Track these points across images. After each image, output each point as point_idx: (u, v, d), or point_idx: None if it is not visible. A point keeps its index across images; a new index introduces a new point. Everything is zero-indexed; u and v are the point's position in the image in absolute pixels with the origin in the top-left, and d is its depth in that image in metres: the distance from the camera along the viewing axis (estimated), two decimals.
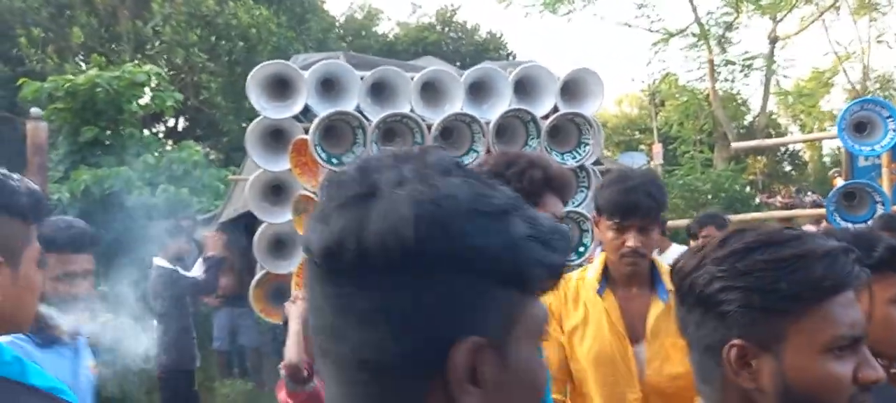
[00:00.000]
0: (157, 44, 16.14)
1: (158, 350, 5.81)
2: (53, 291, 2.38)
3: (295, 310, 3.20)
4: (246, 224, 7.13)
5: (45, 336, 2.20)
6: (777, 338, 1.07)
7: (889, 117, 5.50)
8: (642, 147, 34.45)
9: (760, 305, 1.05)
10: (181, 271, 6.38)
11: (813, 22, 25.45)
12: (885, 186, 5.70)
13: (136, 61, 12.82)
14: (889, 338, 1.82)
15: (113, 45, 16.40)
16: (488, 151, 5.86)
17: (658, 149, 25.22)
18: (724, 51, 24.70)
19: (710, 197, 19.34)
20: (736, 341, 1.08)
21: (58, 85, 10.34)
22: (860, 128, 5.68)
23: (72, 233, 2.49)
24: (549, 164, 1.87)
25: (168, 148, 12.57)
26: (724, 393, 1.12)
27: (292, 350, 3.04)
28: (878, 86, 28.60)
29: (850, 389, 1.07)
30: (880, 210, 5.54)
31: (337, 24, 23.99)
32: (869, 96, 19.60)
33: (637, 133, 38.94)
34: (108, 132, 10.68)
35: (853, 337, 1.08)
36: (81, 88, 10.23)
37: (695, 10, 23.91)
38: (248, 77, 5.91)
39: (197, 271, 6.78)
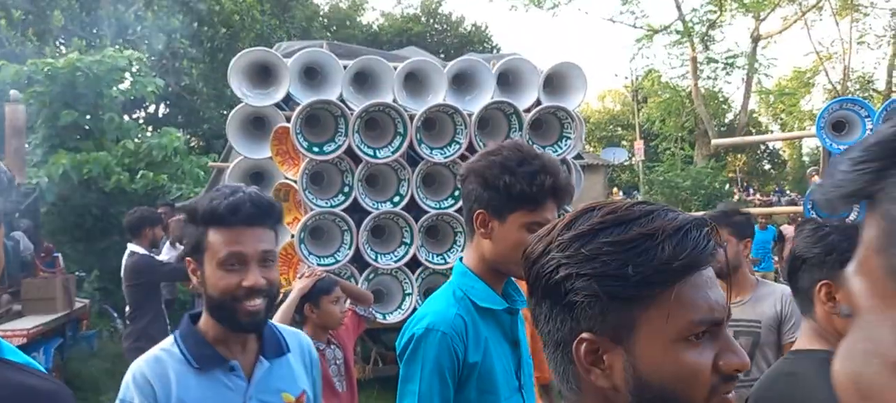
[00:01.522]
0: (138, 29, 15.97)
1: (131, 337, 5.77)
2: None
3: (299, 285, 3.48)
4: None
5: None
6: (628, 329, 0.94)
7: (867, 117, 5.56)
8: (624, 143, 34.63)
9: (607, 293, 0.93)
10: (156, 257, 6.33)
11: (795, 21, 25.66)
12: None
13: (118, 46, 12.67)
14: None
15: (94, 30, 16.22)
16: (470, 143, 5.87)
17: (640, 145, 25.44)
18: (707, 48, 24.86)
19: (690, 193, 19.52)
20: (585, 335, 0.95)
21: (37, 68, 10.23)
22: (839, 127, 5.74)
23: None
24: (559, 173, 1.86)
25: (148, 134, 12.46)
26: (581, 394, 1.00)
27: (279, 316, 3.21)
28: (858, 86, 28.88)
29: (710, 379, 0.94)
30: (856, 208, 5.61)
31: (321, 12, 23.88)
32: (843, 96, 19.80)
33: (620, 129, 39.14)
34: (88, 117, 10.59)
35: (712, 321, 0.94)
36: (61, 72, 10.14)
37: (679, 7, 24.03)
38: (230, 64, 5.87)
39: (165, 256, 6.74)
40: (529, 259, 1.02)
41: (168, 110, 18.34)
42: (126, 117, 12.68)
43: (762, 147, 36.74)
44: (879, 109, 5.46)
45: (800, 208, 6.64)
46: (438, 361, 1.75)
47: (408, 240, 5.91)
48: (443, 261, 6.00)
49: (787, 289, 3.19)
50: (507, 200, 1.79)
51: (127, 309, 6.06)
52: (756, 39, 24.96)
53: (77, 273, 9.53)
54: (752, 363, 2.89)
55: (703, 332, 0.94)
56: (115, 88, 10.90)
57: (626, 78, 31.46)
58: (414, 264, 5.96)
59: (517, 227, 1.79)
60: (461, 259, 1.92)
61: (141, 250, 5.92)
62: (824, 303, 1.88)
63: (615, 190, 28.43)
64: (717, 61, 24.90)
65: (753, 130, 33.13)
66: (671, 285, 0.92)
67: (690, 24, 24.04)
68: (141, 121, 16.26)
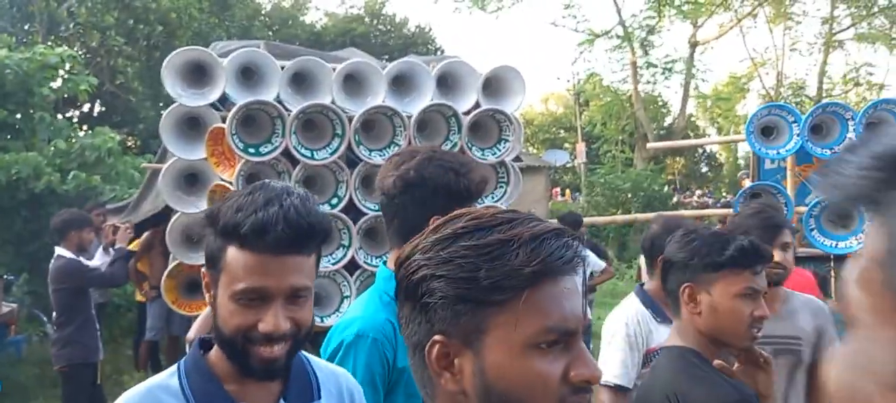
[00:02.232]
0: (71, 25, 15.52)
1: (60, 343, 5.60)
2: None
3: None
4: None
5: None
6: (477, 333, 0.94)
7: (794, 122, 5.74)
8: (567, 145, 35.07)
9: (460, 296, 0.93)
10: (84, 261, 6.15)
11: (731, 28, 26.37)
12: (789, 188, 5.95)
13: (49, 43, 12.29)
14: (735, 329, 2.00)
15: (24, 26, 15.70)
16: (410, 144, 5.86)
17: (581, 147, 25.79)
18: (646, 53, 25.36)
19: (629, 195, 19.87)
20: (437, 337, 0.96)
21: None
22: (767, 131, 5.91)
23: None
24: (470, 170, 1.96)
25: (82, 134, 12.11)
26: (435, 399, 1.01)
27: (195, 328, 3.26)
28: (790, 92, 29.82)
29: (558, 389, 0.94)
30: (783, 211, 5.78)
31: (263, 11, 23.57)
32: (777, 101, 20.41)
33: (562, 131, 39.62)
34: (18, 115, 10.25)
35: (565, 331, 0.94)
36: None
37: (619, 12, 24.46)
38: (164, 63, 5.74)
39: (98, 261, 6.55)
40: (397, 261, 1.03)
41: (103, 109, 17.87)
42: (58, 116, 12.32)
43: (700, 150, 37.63)
44: (860, 112, 5.60)
45: (731, 210, 6.82)
46: (369, 367, 1.76)
47: (346, 243, 5.87)
48: (382, 263, 5.97)
49: (819, 302, 3.03)
50: (452, 199, 1.81)
51: (54, 314, 5.90)
52: (693, 45, 25.57)
53: (5, 276, 9.22)
54: (790, 385, 2.78)
55: (554, 341, 0.94)
56: (46, 86, 10.56)
57: (569, 81, 31.83)
58: (352, 266, 5.92)
59: None
60: (384, 263, 1.93)
61: (68, 254, 5.77)
62: (687, 304, 2.07)
63: (568, 192, 28.74)
64: (656, 66, 25.43)
65: (691, 134, 33.91)
66: (521, 290, 0.92)
67: (630, 30, 24.50)
68: (74, 120, 15.81)
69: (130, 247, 8.02)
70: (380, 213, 5.86)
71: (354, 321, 1.82)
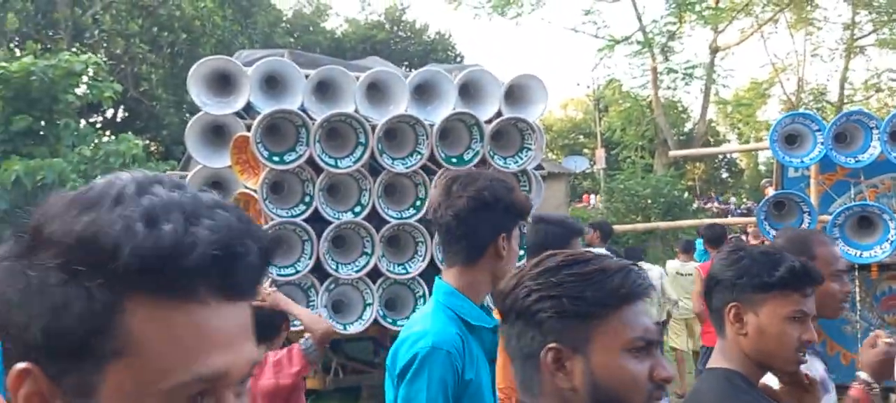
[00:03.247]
0: (96, 32, 15.72)
1: None
2: None
3: (281, 298, 3.35)
4: None
5: None
6: (585, 341, 1.21)
7: (818, 131, 5.70)
8: (586, 151, 34.97)
9: (570, 311, 1.20)
10: None
11: (752, 34, 26.20)
12: (813, 197, 5.91)
13: (74, 50, 12.45)
14: (782, 353, 1.93)
15: (50, 33, 15.92)
16: (432, 153, 5.89)
17: (601, 153, 25.71)
18: (666, 59, 25.23)
19: (649, 201, 19.78)
20: (551, 344, 1.21)
21: None
22: (791, 140, 5.87)
23: None
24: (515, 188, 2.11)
25: (105, 139, 12.25)
26: (543, 398, 1.25)
27: (318, 320, 3.41)
28: (812, 98, 29.59)
29: (647, 385, 1.21)
30: (807, 220, 5.74)
31: (284, 18, 23.73)
32: (801, 110, 20.25)
33: (581, 137, 39.51)
34: (43, 122, 10.37)
35: (647, 341, 1.22)
36: (15, 76, 9.91)
37: (640, 18, 24.38)
38: (190, 72, 5.81)
39: None
40: (503, 292, 1.29)
41: (126, 115, 18.07)
42: (83, 122, 12.47)
43: (720, 156, 37.39)
44: (885, 120, 5.56)
45: (754, 218, 6.78)
46: (443, 379, 1.80)
47: (369, 250, 5.90)
48: (404, 271, 6.00)
49: None
50: (513, 218, 1.99)
51: None
52: (714, 51, 25.42)
53: None
54: None
55: (642, 348, 1.22)
56: (71, 93, 10.69)
57: (588, 87, 31.75)
58: (375, 274, 5.95)
59: (513, 241, 1.99)
60: (440, 278, 1.96)
61: None
62: (733, 324, 1.97)
63: (591, 197, 28.63)
64: (676, 72, 25.30)
65: (711, 139, 33.72)
66: (618, 308, 1.21)
67: (651, 35, 24.41)
68: (98, 126, 16.00)
69: None
70: (402, 221, 5.90)
71: (427, 334, 1.85)
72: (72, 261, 0.65)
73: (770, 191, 7.78)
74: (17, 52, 14.29)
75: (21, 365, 0.68)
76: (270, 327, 3.23)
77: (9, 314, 0.68)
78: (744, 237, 11.43)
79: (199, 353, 0.68)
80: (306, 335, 3.26)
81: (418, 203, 5.99)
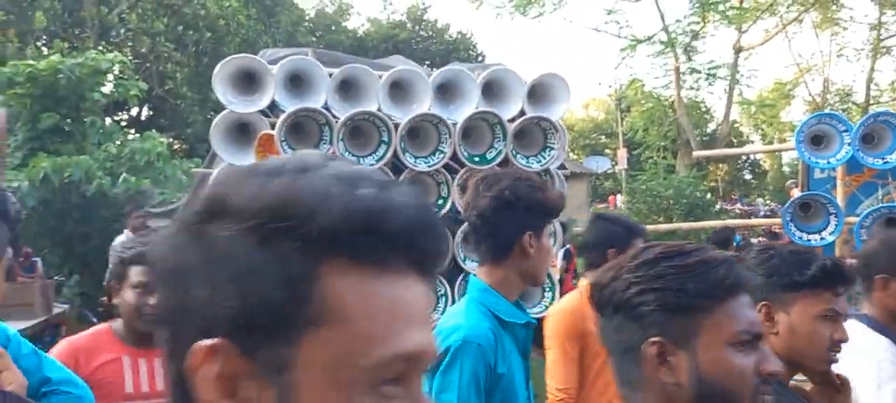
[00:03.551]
0: (122, 31, 15.91)
1: None
2: None
3: None
4: None
5: None
6: (690, 334, 1.18)
7: (845, 131, 5.64)
8: (607, 151, 34.84)
9: (675, 305, 1.17)
10: None
11: (776, 34, 25.94)
12: (840, 198, 5.85)
13: (100, 48, 12.61)
14: (813, 353, 1.92)
15: (76, 31, 16.13)
16: (454, 152, 5.89)
17: (623, 154, 25.60)
18: (689, 59, 25.04)
19: (671, 202, 19.64)
20: (655, 339, 1.19)
21: (18, 70, 10.16)
22: (817, 140, 5.82)
23: None
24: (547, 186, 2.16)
25: (130, 137, 12.40)
26: (644, 392, 1.23)
27: None
28: (837, 98, 29.24)
29: (754, 379, 1.19)
30: (833, 221, 5.69)
31: (307, 18, 23.86)
32: (827, 110, 20.02)
33: (603, 137, 39.35)
34: (69, 119, 10.52)
35: (753, 334, 1.20)
36: (42, 74, 10.07)
37: (662, 17, 24.22)
38: (215, 70, 5.86)
39: None
40: (600, 284, 1.27)
41: (151, 113, 18.25)
42: (108, 120, 12.62)
43: (743, 157, 37.08)
44: None
45: (778, 220, 6.72)
46: (475, 372, 1.85)
47: None
48: (472, 276, 5.99)
49: None
50: (540, 217, 2.02)
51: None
52: (738, 51, 25.20)
53: (57, 278, 9.46)
54: None
55: (748, 341, 1.20)
56: (97, 91, 10.84)
57: (610, 87, 31.64)
58: None
59: (545, 237, 2.02)
60: (474, 275, 2.02)
61: None
62: (764, 323, 1.95)
63: (611, 197, 28.51)
64: (699, 72, 25.10)
65: (735, 140, 33.45)
66: (724, 300, 1.18)
67: (674, 35, 24.23)
68: (123, 124, 16.18)
69: None
70: None
71: (459, 328, 1.90)
72: (264, 226, 0.60)
73: (795, 193, 7.72)
74: (45, 51, 14.50)
75: (208, 342, 0.62)
76: None
77: (186, 288, 0.62)
78: (769, 238, 11.31)
79: (399, 327, 0.63)
80: None
81: (440, 201, 6.00)
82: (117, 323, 2.40)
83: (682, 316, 1.18)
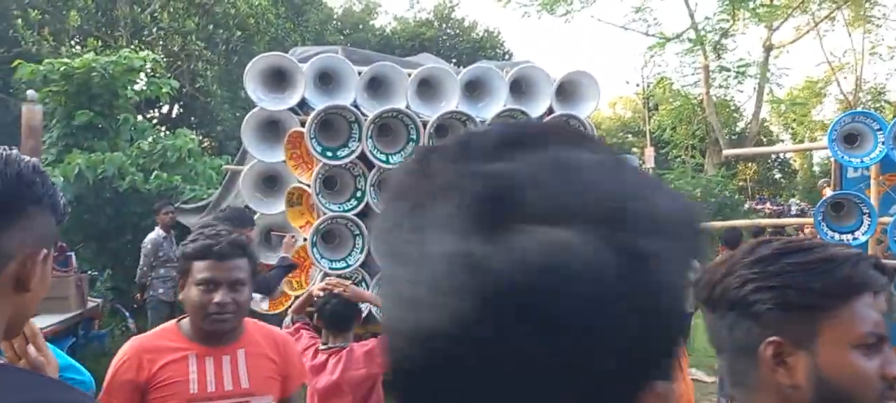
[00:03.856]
0: (154, 30, 16.10)
1: None
2: None
3: (364, 292, 3.84)
4: None
5: None
6: (811, 335, 1.14)
7: (879, 130, 5.57)
8: (635, 150, 34.59)
9: (795, 303, 1.13)
10: None
11: (808, 31, 25.58)
12: (873, 198, 5.78)
13: (133, 47, 12.79)
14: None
15: (110, 30, 16.36)
16: None
17: (650, 152, 25.41)
18: (719, 57, 24.78)
19: (700, 201, 19.49)
20: (773, 338, 1.14)
21: (53, 68, 10.34)
22: (850, 139, 5.75)
23: None
24: None
25: (161, 134, 12.56)
26: (759, 393, 1.19)
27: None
28: (870, 97, 28.75)
29: (879, 384, 1.14)
30: (867, 221, 5.62)
31: (335, 16, 23.98)
32: (860, 108, 19.72)
33: (630, 136, 39.06)
34: (103, 117, 10.69)
35: (878, 336, 1.15)
36: (77, 72, 10.24)
37: (692, 15, 23.99)
38: (246, 68, 5.93)
39: None
40: (711, 281, 1.22)
41: (181, 111, 18.46)
42: (140, 117, 12.80)
43: (773, 156, 36.62)
44: None
45: (810, 219, 6.65)
46: None
47: None
48: None
49: None
50: None
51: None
52: (768, 49, 24.89)
53: (90, 272, 9.60)
54: None
55: (872, 344, 1.15)
56: (129, 89, 11.00)
57: (638, 85, 31.37)
58: None
59: None
60: None
61: None
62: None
63: None
64: (729, 70, 24.82)
65: (764, 139, 33.04)
66: (848, 300, 1.13)
67: (703, 33, 23.99)
68: (154, 121, 16.39)
69: None
70: None
71: None
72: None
73: (828, 192, 7.62)
74: (79, 49, 14.73)
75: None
76: (349, 319, 3.42)
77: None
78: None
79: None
80: None
81: None
82: (185, 320, 2.30)
83: (802, 315, 1.14)
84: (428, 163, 0.54)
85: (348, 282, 3.65)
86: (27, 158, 1.15)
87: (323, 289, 3.45)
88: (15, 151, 1.15)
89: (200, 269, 2.18)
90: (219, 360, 2.23)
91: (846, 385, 1.13)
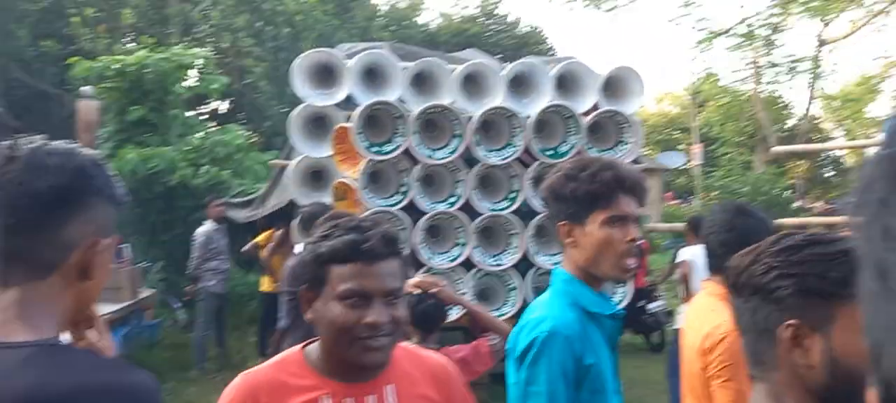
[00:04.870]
0: (204, 27, 16.42)
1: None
2: None
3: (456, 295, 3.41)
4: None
5: None
6: (827, 320, 1.21)
7: None
8: (681, 147, 34.12)
9: (814, 290, 1.21)
10: None
11: (863, 26, 24.92)
12: None
13: (184, 44, 13.06)
14: None
15: (162, 27, 16.73)
16: (527, 146, 5.91)
17: (698, 149, 25.05)
18: (769, 52, 24.31)
19: (748, 199, 19.16)
20: (791, 321, 1.22)
21: (107, 65, 10.62)
22: None
23: None
24: (618, 166, 1.95)
25: (210, 130, 12.81)
26: (777, 372, 1.27)
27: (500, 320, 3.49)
28: None
29: None
30: None
31: (380, 13, 24.15)
32: None
33: (676, 132, 38.56)
34: (155, 112, 10.95)
35: None
36: (131, 68, 10.51)
37: (742, 9, 23.57)
38: (293, 64, 6.02)
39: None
40: (738, 267, 1.32)
41: (230, 106, 18.78)
42: (189, 113, 13.07)
43: (824, 154, 35.79)
44: None
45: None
46: (562, 363, 1.83)
47: (462, 241, 5.97)
48: (497, 263, 6.04)
49: None
50: (579, 204, 1.91)
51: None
52: (821, 43, 24.33)
53: (142, 264, 9.85)
54: None
55: None
56: (180, 85, 11.24)
57: (685, 81, 30.93)
58: (468, 265, 6.02)
59: (598, 227, 1.89)
60: (559, 267, 2.00)
61: None
62: None
63: (668, 193, 27.99)
64: (779, 65, 24.34)
65: (815, 137, 32.32)
66: None
67: (753, 28, 23.55)
68: (203, 117, 16.72)
69: (258, 240, 8.44)
70: (496, 213, 5.95)
71: (545, 319, 1.88)
72: None
73: None
74: (132, 46, 15.11)
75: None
76: (437, 320, 3.26)
77: None
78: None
79: None
80: (490, 333, 3.26)
81: (512, 195, 6.03)
82: (312, 348, 1.69)
83: (820, 301, 1.21)
84: None
85: (444, 282, 3.39)
86: (88, 151, 1.20)
87: (417, 285, 3.17)
88: (76, 145, 1.21)
89: (344, 276, 1.58)
90: (362, 401, 1.64)
91: (856, 367, 1.18)
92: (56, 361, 1.09)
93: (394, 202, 5.86)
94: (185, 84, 11.49)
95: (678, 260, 7.39)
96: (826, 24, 24.36)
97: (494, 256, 6.11)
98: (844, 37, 25.16)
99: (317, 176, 6.38)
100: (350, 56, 6.16)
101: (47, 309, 1.15)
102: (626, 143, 6.09)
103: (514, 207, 5.98)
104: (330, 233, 1.64)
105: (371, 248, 1.58)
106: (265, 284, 8.35)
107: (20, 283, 1.13)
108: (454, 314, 4.69)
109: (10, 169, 1.12)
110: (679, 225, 9.93)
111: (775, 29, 23.93)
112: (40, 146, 1.16)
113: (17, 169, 1.12)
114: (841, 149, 37.66)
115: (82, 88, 9.35)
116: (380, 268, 1.59)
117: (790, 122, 31.12)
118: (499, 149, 5.98)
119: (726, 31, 24.16)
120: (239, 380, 1.66)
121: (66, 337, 1.24)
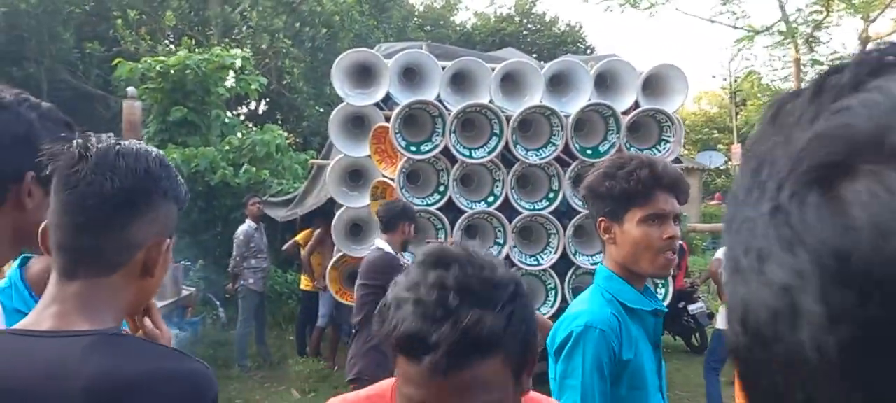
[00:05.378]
0: (244, 28, 16.64)
1: (359, 351, 4.80)
2: None
3: None
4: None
5: None
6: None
7: None
8: (721, 146, 33.65)
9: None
10: (403, 260, 5.11)
11: None
12: None
13: (224, 45, 13.23)
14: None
15: (202, 29, 16.98)
16: (566, 145, 5.88)
17: (737, 149, 24.65)
18: (811, 50, 23.86)
19: None
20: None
21: (150, 66, 10.79)
22: None
23: None
24: (656, 164, 1.96)
25: (249, 130, 12.97)
26: None
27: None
28: None
29: None
30: None
31: (416, 13, 24.22)
32: None
33: (716, 132, 38.05)
34: (196, 112, 11.10)
35: None
36: (172, 69, 10.66)
37: (782, 7, 23.18)
38: (333, 64, 6.06)
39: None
40: None
41: (268, 107, 18.99)
42: (229, 113, 13.24)
43: None
44: None
45: None
46: (598, 357, 1.84)
47: (501, 240, 5.97)
48: (535, 263, 6.02)
49: None
50: (616, 202, 1.92)
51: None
52: (865, 41, 23.80)
53: (184, 262, 9.98)
54: None
55: None
56: (220, 86, 11.39)
57: (725, 79, 30.53)
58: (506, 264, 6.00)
59: (635, 224, 1.90)
60: (602, 264, 2.01)
61: (388, 248, 4.84)
62: None
63: (718, 194, 27.63)
64: (821, 63, 23.87)
65: None
66: None
67: (794, 25, 23.14)
68: (242, 117, 16.93)
69: (298, 239, 8.51)
70: (534, 213, 5.93)
71: (582, 314, 1.90)
72: None
73: None
74: (173, 48, 15.35)
75: None
76: None
77: None
78: None
79: None
80: None
81: (551, 195, 6.00)
82: None
83: None
84: (779, 110, 0.44)
85: None
86: (154, 152, 1.23)
87: None
88: (142, 145, 1.23)
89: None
90: None
91: None
92: (120, 349, 1.12)
93: (432, 201, 5.88)
94: (225, 84, 11.64)
95: (714, 259, 7.30)
96: (870, 22, 23.83)
97: (533, 256, 6.09)
98: (889, 34, 24.60)
99: (355, 175, 6.41)
100: (388, 56, 6.19)
101: (108, 303, 1.17)
102: (668, 142, 6.02)
103: (553, 207, 5.95)
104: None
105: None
106: (304, 283, 8.41)
107: (84, 278, 1.16)
108: None
109: (80, 167, 1.15)
110: (719, 226, 9.79)
111: (817, 26, 23.49)
112: (111, 146, 1.18)
113: (88, 168, 1.14)
114: None
115: (127, 89, 9.51)
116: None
117: None
118: (538, 149, 5.96)
119: (767, 29, 23.78)
120: None
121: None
